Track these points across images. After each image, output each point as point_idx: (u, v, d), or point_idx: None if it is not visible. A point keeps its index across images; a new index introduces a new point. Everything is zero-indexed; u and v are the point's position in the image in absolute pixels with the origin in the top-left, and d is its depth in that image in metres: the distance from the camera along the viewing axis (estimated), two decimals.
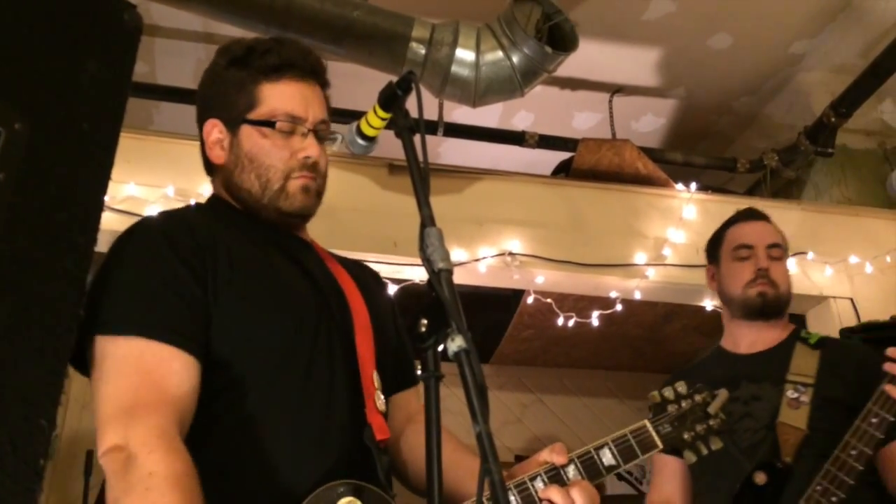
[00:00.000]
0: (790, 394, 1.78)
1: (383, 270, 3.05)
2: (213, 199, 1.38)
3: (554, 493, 1.15)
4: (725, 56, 3.74)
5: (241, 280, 1.17)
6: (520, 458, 4.63)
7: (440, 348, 0.90)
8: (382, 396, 1.24)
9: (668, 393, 1.30)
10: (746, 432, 1.82)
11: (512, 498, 1.15)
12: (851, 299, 3.27)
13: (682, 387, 1.31)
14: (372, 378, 1.24)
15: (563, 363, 5.03)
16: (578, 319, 3.73)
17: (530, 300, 3.50)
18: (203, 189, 2.91)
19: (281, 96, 1.29)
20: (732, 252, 2.03)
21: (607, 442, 1.26)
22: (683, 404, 1.28)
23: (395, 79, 1.15)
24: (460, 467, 1.26)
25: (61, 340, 0.85)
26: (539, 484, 1.18)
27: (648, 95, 4.02)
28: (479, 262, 3.05)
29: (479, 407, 0.80)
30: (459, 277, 3.09)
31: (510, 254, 3.09)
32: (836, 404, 1.77)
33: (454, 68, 2.50)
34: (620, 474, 4.71)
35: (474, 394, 0.81)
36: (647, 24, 3.55)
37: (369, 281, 1.41)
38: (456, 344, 0.85)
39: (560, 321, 3.73)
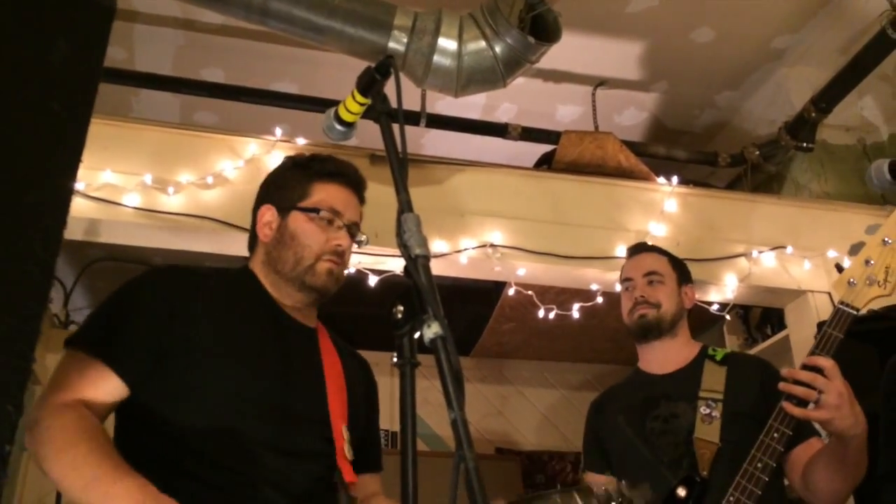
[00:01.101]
0: (703, 410, 1.94)
1: (364, 261, 3.04)
2: (244, 270, 1.63)
3: None
4: (708, 50, 3.75)
5: (220, 349, 1.40)
6: (500, 451, 4.62)
7: (416, 335, 0.89)
8: (349, 447, 1.47)
9: (606, 493, 1.45)
10: (668, 447, 1.95)
11: None
12: (829, 293, 3.29)
13: (611, 485, 1.46)
14: (342, 431, 1.47)
15: (544, 356, 5.04)
16: (559, 312, 3.74)
17: (511, 292, 3.49)
18: (181, 177, 2.89)
19: (328, 193, 1.59)
20: (621, 286, 2.26)
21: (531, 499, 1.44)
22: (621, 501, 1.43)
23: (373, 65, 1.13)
24: None
25: (29, 324, 0.82)
26: None
27: (631, 89, 4.03)
28: (460, 253, 3.05)
29: (454, 393, 0.80)
30: (440, 269, 3.08)
31: (491, 245, 3.08)
32: (743, 417, 1.93)
33: (436, 57, 2.47)
34: None
35: (450, 380, 0.81)
36: (630, 17, 3.55)
37: (355, 364, 1.70)
38: (432, 330, 0.84)
39: (541, 313, 3.73)
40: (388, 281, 3.09)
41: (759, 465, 1.70)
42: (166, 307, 1.40)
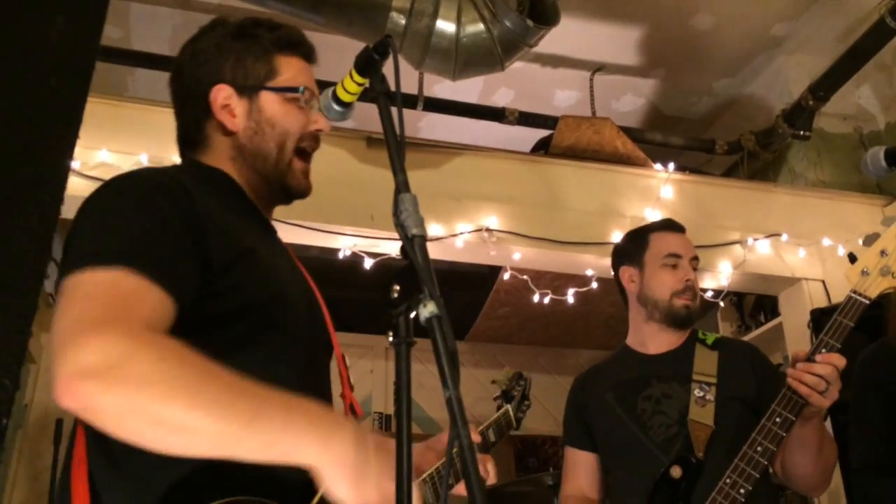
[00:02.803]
0: (697, 392, 1.94)
1: (360, 244, 3.04)
2: (210, 168, 1.31)
3: None
4: (707, 37, 3.74)
5: (234, 254, 1.13)
6: None
7: (412, 315, 0.89)
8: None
9: (504, 379, 1.62)
10: (660, 428, 1.95)
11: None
12: (823, 281, 3.31)
13: (509, 374, 1.62)
14: (343, 358, 1.31)
15: (539, 341, 5.06)
16: (554, 297, 3.75)
17: (507, 277, 3.50)
18: (177, 157, 2.87)
19: (297, 69, 1.34)
20: (663, 259, 2.10)
21: (491, 424, 1.55)
22: (517, 389, 1.60)
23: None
24: None
25: (26, 299, 0.82)
26: None
27: (629, 75, 4.02)
28: (456, 237, 3.05)
29: (449, 372, 0.80)
30: (436, 253, 3.08)
31: (487, 230, 3.09)
32: (736, 401, 1.94)
33: (434, 39, 2.47)
34: None
35: (445, 359, 0.81)
36: (629, 3, 3.54)
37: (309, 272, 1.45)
38: (428, 310, 0.84)
39: (536, 298, 3.74)
40: (384, 264, 3.09)
41: (760, 448, 1.70)
42: (191, 211, 1.09)
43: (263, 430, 0.87)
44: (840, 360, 1.68)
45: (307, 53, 1.37)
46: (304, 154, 1.33)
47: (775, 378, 2.05)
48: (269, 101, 1.30)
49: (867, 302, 1.73)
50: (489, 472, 1.34)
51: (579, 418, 2.12)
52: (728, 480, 1.71)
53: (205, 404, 0.86)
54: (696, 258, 2.14)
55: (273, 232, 1.36)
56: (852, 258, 1.82)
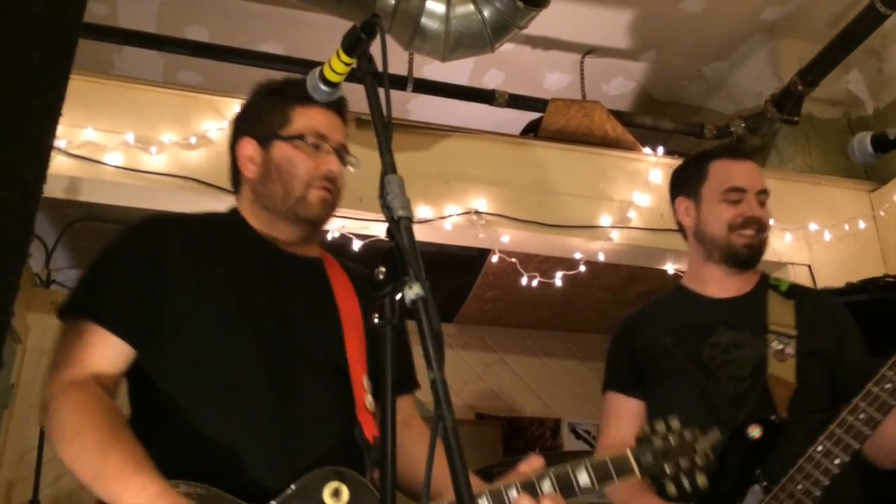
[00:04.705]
0: (775, 345, 1.73)
1: (349, 226, 3.03)
2: (230, 211, 1.54)
3: (525, 500, 1.21)
4: (697, 20, 3.73)
5: (199, 288, 1.35)
6: (481, 417, 4.66)
7: (398, 296, 0.89)
8: (372, 398, 1.38)
9: (660, 427, 1.31)
10: (730, 381, 1.74)
11: (485, 501, 1.22)
12: (809, 266, 3.33)
13: (675, 422, 1.31)
14: (362, 382, 1.38)
15: (526, 324, 5.07)
16: (542, 280, 3.75)
17: (495, 259, 3.50)
18: (164, 137, 2.86)
19: (310, 118, 1.48)
20: (723, 193, 1.88)
21: (585, 463, 1.26)
22: (671, 439, 1.29)
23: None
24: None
25: (7, 278, 0.82)
26: (513, 493, 1.23)
27: (620, 58, 4.01)
28: (445, 219, 3.05)
29: (434, 354, 0.80)
30: (425, 235, 3.08)
31: (476, 212, 3.09)
32: (817, 357, 1.74)
33: (424, 20, 2.45)
34: (578, 432, 4.79)
35: (430, 341, 0.81)
36: None
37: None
38: (413, 292, 0.84)
39: (524, 281, 3.75)
40: (373, 246, 3.09)
41: (863, 416, 1.51)
42: (144, 256, 1.34)
43: (100, 486, 1.16)
44: None
45: (330, 103, 1.42)
46: (324, 188, 1.46)
47: (856, 332, 1.84)
48: (279, 149, 1.46)
49: None
50: None
51: (629, 362, 1.89)
52: (820, 448, 1.53)
53: (74, 454, 1.19)
54: (765, 191, 1.88)
55: (289, 261, 1.47)
56: None
